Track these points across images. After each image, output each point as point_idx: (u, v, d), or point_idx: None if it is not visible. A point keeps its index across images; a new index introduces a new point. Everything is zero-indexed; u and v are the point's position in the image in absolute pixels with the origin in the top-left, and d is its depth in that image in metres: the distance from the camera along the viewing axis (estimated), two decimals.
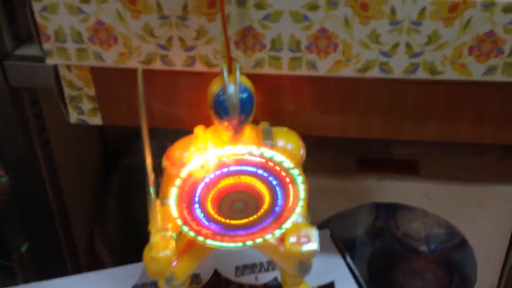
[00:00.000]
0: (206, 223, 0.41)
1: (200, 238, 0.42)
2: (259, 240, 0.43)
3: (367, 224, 0.73)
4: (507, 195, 0.63)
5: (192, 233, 0.42)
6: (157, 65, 0.45)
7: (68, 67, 0.48)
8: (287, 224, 0.42)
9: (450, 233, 0.70)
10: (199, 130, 0.41)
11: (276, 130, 0.42)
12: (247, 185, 0.40)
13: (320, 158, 0.68)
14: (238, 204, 0.41)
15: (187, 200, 0.40)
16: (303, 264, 0.44)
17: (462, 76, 0.44)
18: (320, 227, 0.47)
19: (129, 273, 0.56)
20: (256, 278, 0.55)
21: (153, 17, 0.43)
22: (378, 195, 0.65)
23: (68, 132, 0.69)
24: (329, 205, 0.66)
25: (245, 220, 0.42)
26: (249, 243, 0.43)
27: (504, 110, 0.47)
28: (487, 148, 0.69)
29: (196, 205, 0.40)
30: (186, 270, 0.45)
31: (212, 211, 0.41)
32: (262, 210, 0.41)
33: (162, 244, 0.40)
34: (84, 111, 0.51)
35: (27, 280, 0.62)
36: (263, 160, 0.39)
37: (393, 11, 0.41)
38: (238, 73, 0.38)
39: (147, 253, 0.40)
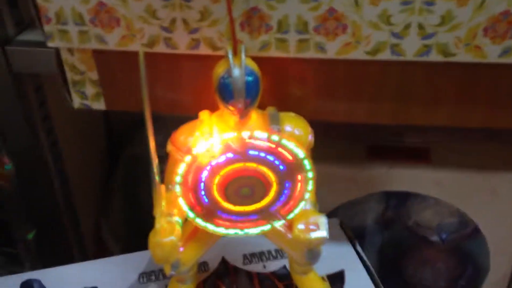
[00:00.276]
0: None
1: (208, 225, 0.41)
2: (267, 227, 0.43)
3: (377, 213, 0.73)
4: None
5: (199, 220, 0.41)
6: (161, 48, 0.44)
7: (70, 51, 0.48)
8: (296, 211, 0.41)
9: (463, 222, 0.69)
10: (204, 114, 0.41)
11: (283, 115, 0.41)
12: (254, 170, 0.39)
13: (329, 146, 0.67)
14: (245, 189, 0.40)
15: (193, 185, 0.39)
16: (312, 251, 0.43)
17: (476, 58, 0.42)
18: (329, 216, 0.46)
19: (136, 260, 0.55)
20: (264, 266, 0.55)
21: None
22: (388, 184, 0.65)
23: (72, 120, 0.69)
24: (338, 194, 0.66)
25: (252, 207, 0.41)
26: (257, 230, 0.43)
27: None
28: (499, 135, 0.67)
29: (202, 192, 0.40)
30: (192, 256, 0.45)
31: (218, 197, 0.40)
32: (270, 196, 0.41)
33: (167, 229, 0.39)
34: (88, 96, 0.50)
35: (34, 268, 0.62)
36: (271, 145, 0.38)
37: None
38: (243, 55, 0.37)
39: (152, 238, 0.39)
